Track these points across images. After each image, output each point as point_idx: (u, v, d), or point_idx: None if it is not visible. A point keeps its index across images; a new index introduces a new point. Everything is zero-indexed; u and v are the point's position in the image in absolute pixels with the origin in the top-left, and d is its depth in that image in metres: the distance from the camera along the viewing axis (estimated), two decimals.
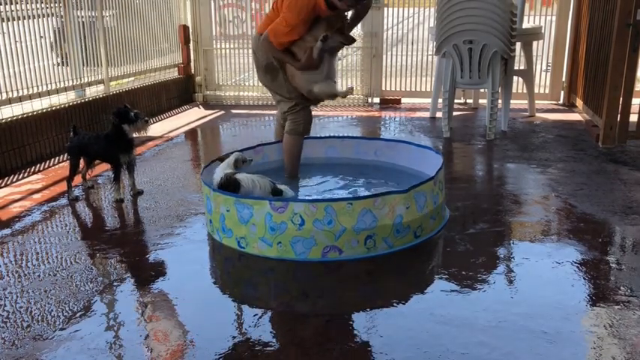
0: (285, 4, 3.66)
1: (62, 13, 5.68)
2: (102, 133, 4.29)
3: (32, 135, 5.01)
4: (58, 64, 5.64)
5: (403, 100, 7.59)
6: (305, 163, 4.31)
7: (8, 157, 4.75)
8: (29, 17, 5.25)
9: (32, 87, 5.21)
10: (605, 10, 5.58)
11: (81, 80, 5.88)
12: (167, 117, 6.95)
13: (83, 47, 5.92)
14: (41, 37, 5.40)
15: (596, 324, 2.49)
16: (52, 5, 5.57)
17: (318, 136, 4.72)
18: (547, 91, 7.46)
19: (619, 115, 5.11)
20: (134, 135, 4.09)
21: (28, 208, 3.96)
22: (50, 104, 5.43)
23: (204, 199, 3.51)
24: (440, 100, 6.03)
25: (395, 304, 2.69)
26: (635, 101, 5.23)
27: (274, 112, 5.42)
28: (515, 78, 6.41)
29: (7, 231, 3.58)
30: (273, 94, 4.10)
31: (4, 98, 4.87)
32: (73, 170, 4.16)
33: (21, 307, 2.70)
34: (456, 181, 4.38)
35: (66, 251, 3.30)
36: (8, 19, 5.01)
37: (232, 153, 3.70)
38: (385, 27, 7.42)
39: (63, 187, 4.37)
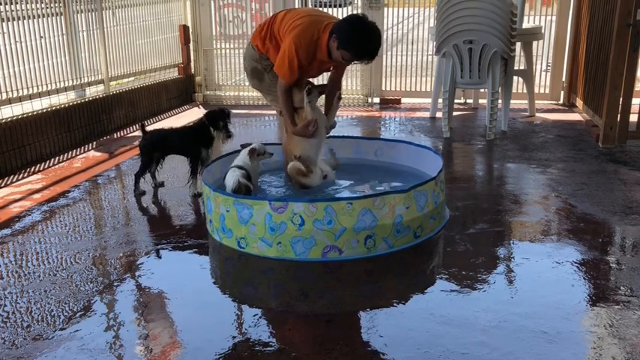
0: (289, 34, 3.59)
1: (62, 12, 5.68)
2: (180, 127, 4.39)
3: (32, 135, 5.01)
4: None
5: (403, 100, 7.58)
6: None
7: (8, 157, 4.75)
8: (29, 17, 5.25)
9: (32, 87, 5.22)
10: (605, 10, 5.58)
11: (81, 80, 5.88)
12: (167, 117, 6.95)
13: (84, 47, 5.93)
14: (41, 37, 5.40)
15: (596, 324, 2.49)
16: (52, 5, 5.57)
17: None
18: (547, 91, 7.45)
19: (619, 115, 5.11)
20: (215, 137, 4.15)
21: (28, 208, 3.96)
22: (50, 104, 5.43)
23: (205, 199, 3.51)
24: (440, 100, 6.03)
25: (395, 304, 2.69)
26: (635, 101, 5.23)
27: (274, 112, 5.42)
28: (515, 78, 6.41)
29: (7, 231, 3.58)
30: (265, 95, 4.13)
31: (4, 98, 4.88)
32: (144, 168, 4.15)
33: (21, 307, 2.70)
34: (456, 181, 4.38)
35: (66, 251, 3.30)
36: (8, 19, 5.01)
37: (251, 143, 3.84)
38: (385, 27, 7.42)
39: (63, 187, 4.37)
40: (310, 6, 7.49)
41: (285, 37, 3.64)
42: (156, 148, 4.15)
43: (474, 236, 3.42)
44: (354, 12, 7.60)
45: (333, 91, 4.01)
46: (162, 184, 4.33)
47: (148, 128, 4.24)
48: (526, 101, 6.81)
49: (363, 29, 3.53)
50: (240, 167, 3.65)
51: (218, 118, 4.13)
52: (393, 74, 7.66)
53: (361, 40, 3.52)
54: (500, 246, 3.33)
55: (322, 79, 5.29)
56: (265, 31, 3.83)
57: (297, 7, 7.40)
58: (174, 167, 4.86)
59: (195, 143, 4.12)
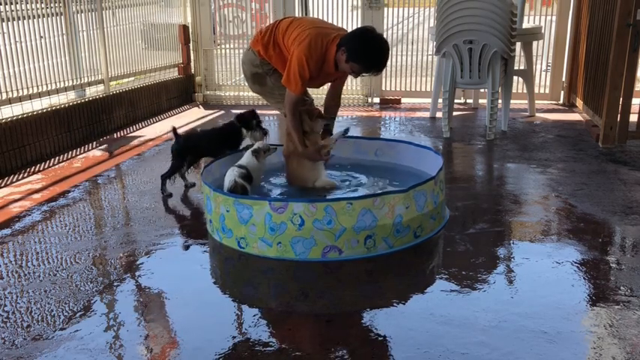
0: (298, 46, 3.59)
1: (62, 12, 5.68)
2: (211, 130, 4.43)
3: (32, 135, 5.01)
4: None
5: (403, 100, 7.59)
6: None
7: (8, 157, 4.75)
8: (29, 17, 5.25)
9: (32, 87, 5.22)
10: (605, 10, 5.58)
11: (81, 80, 5.88)
12: (167, 117, 6.95)
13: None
14: (41, 37, 5.40)
15: (596, 324, 2.49)
16: (52, 5, 5.57)
17: None
18: (547, 91, 7.46)
19: (619, 115, 5.11)
20: (247, 140, 4.17)
21: (28, 208, 3.96)
22: (50, 104, 5.43)
23: (204, 199, 3.51)
24: (440, 100, 6.03)
25: (395, 304, 2.69)
26: (635, 101, 5.23)
27: (274, 112, 5.42)
28: (515, 78, 6.41)
29: (7, 231, 3.58)
30: (268, 99, 4.12)
31: (4, 98, 4.87)
32: (173, 170, 4.17)
33: (21, 307, 2.70)
34: (456, 181, 4.38)
35: (66, 251, 3.30)
36: (9, 19, 5.01)
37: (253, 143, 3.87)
38: (385, 27, 7.42)
39: (63, 187, 4.37)
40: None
41: (291, 48, 3.63)
42: (188, 151, 4.16)
43: (474, 236, 3.42)
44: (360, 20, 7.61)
45: (332, 104, 4.06)
46: (192, 185, 4.33)
47: (177, 131, 4.24)
48: (526, 101, 6.81)
49: (373, 42, 3.57)
50: (240, 166, 3.65)
51: (250, 118, 4.16)
52: (393, 74, 7.66)
53: (370, 53, 3.56)
54: (500, 246, 3.33)
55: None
56: (268, 38, 3.81)
57: (296, 7, 7.41)
58: None
59: (221, 145, 4.14)
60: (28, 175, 4.69)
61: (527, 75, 6.60)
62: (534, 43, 6.78)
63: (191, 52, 7.74)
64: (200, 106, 7.55)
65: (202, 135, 4.39)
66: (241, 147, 4.17)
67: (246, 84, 4.26)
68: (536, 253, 3.18)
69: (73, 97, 5.81)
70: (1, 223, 3.68)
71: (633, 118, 5.18)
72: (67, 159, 5.16)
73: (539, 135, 5.76)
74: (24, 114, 5.01)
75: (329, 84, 4.07)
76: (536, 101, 6.85)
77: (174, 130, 4.18)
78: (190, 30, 7.67)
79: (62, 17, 5.69)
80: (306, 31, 3.61)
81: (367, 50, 3.55)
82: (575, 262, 3.05)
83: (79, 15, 5.91)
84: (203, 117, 6.96)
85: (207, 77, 7.85)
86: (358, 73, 3.67)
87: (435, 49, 5.80)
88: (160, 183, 4.18)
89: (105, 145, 5.63)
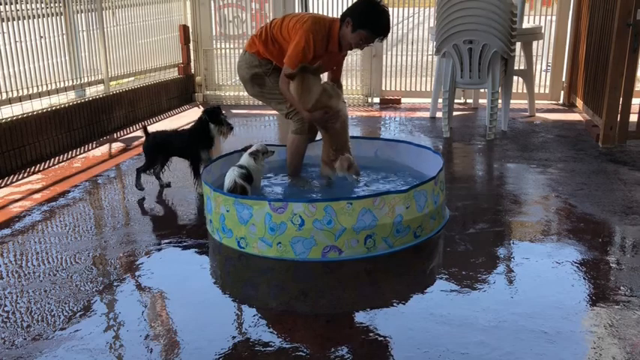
0: (301, 27, 3.65)
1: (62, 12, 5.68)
2: (181, 130, 4.42)
3: (32, 135, 5.01)
4: None
5: (403, 100, 7.59)
6: (306, 162, 4.31)
7: (8, 157, 4.75)
8: (30, 17, 5.25)
9: (32, 87, 5.21)
10: (605, 10, 5.58)
11: (81, 80, 5.88)
12: (167, 117, 6.95)
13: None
14: (41, 37, 5.40)
15: (596, 324, 2.49)
16: (52, 5, 5.57)
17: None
18: (547, 91, 7.46)
19: (619, 115, 5.11)
20: (215, 136, 4.17)
21: (28, 208, 3.96)
22: (50, 104, 5.43)
23: (205, 199, 3.51)
24: (440, 100, 6.03)
25: (395, 304, 2.69)
26: (635, 101, 5.23)
27: (274, 112, 5.42)
28: (515, 78, 6.41)
29: (7, 231, 3.58)
30: (269, 101, 4.10)
31: (4, 98, 4.87)
32: (148, 165, 4.17)
33: (21, 307, 2.70)
34: (456, 181, 4.38)
35: (66, 251, 3.30)
36: (9, 19, 5.01)
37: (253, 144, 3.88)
38: None
39: (63, 186, 4.37)
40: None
41: (292, 33, 3.71)
42: (158, 150, 4.17)
43: (474, 236, 3.42)
44: None
45: None
46: (168, 185, 4.34)
47: (148, 129, 4.24)
48: (526, 101, 6.81)
49: (377, 7, 3.69)
50: (241, 167, 3.65)
51: (218, 112, 4.16)
52: (393, 74, 7.66)
53: (376, 17, 3.68)
54: (500, 246, 3.33)
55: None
56: (265, 36, 3.87)
57: (296, 7, 7.41)
58: (174, 168, 4.86)
59: (195, 145, 4.13)
60: (28, 175, 4.69)
61: (527, 75, 6.60)
62: (534, 43, 6.78)
63: (191, 52, 7.74)
64: (200, 106, 7.54)
65: (172, 134, 4.38)
66: (241, 147, 4.18)
67: (246, 90, 4.26)
68: (536, 253, 3.18)
69: (73, 97, 5.81)
70: (1, 223, 3.69)
71: (633, 118, 5.17)
72: (67, 159, 5.16)
73: (539, 135, 5.76)
74: (24, 114, 5.01)
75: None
76: (536, 101, 6.85)
77: (144, 128, 4.21)
78: (190, 30, 7.67)
79: (62, 17, 5.69)
80: (305, 15, 3.74)
81: (373, 15, 3.66)
82: (575, 262, 3.05)
83: (79, 15, 5.91)
84: None
85: (207, 77, 7.85)
86: (365, 42, 3.75)
87: (435, 49, 5.80)
88: (135, 176, 4.21)
89: (105, 145, 5.63)
